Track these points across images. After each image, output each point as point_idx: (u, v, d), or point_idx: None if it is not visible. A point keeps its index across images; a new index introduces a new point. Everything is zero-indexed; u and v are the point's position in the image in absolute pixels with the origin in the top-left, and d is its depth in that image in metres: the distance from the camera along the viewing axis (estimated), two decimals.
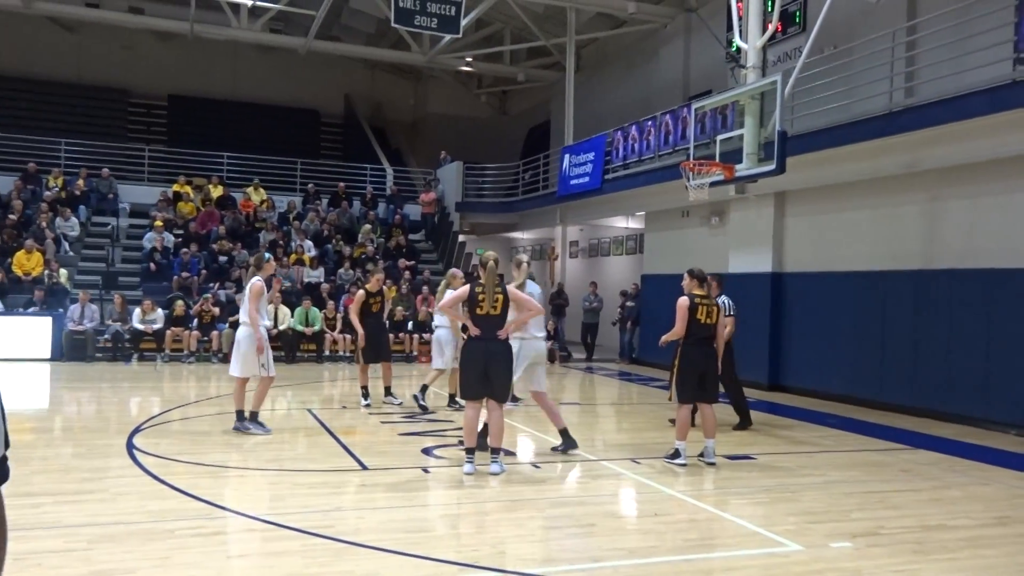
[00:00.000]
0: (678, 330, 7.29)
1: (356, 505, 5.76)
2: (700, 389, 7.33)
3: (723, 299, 9.04)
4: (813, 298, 12.81)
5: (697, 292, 7.39)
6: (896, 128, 10.37)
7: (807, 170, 11.67)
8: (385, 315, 10.78)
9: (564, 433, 7.66)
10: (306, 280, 18.24)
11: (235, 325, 8.86)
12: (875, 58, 11.59)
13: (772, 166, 9.24)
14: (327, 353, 16.41)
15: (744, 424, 9.45)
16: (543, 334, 7.68)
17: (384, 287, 10.83)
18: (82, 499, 5.67)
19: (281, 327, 15.69)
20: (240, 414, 8.27)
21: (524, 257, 7.61)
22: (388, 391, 10.61)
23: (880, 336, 11.53)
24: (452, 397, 10.63)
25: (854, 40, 12.35)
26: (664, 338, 7.56)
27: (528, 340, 7.41)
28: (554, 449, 7.71)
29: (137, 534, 4.84)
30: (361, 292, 10.37)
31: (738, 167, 9.84)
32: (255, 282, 8.22)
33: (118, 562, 4.34)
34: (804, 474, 7.18)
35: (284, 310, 16.05)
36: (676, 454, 7.33)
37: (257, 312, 8.15)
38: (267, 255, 8.70)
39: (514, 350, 7.00)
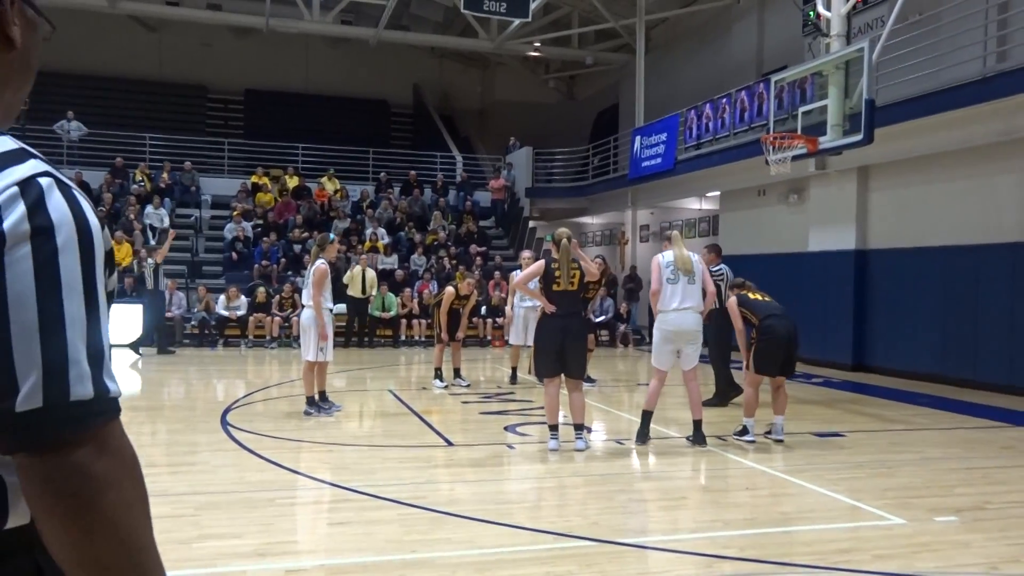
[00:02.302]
0: (740, 328, 7.29)
1: (446, 478, 5.83)
2: (785, 362, 7.17)
3: (722, 267, 9.20)
4: (900, 275, 12.38)
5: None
6: (990, 94, 9.91)
7: (893, 142, 11.26)
8: (467, 314, 10.80)
9: (697, 425, 6.94)
10: (380, 267, 18.51)
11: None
12: (965, 23, 11.09)
13: (859, 136, 8.93)
14: (403, 338, 16.65)
15: (718, 400, 9.12)
16: (688, 304, 6.81)
17: (474, 292, 10.86)
18: (185, 470, 5.88)
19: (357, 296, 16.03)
20: (321, 394, 8.42)
21: (675, 232, 7.20)
22: (457, 373, 10.71)
23: (973, 313, 11.08)
24: (514, 371, 10.84)
25: (940, 6, 11.84)
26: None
27: (663, 314, 6.87)
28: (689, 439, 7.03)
29: (239, 502, 5.00)
30: (451, 290, 10.36)
31: (822, 139, 9.55)
32: (319, 265, 7.98)
33: (225, 527, 4.49)
34: (898, 451, 6.96)
35: (371, 273, 16.25)
36: (744, 431, 7.19)
37: (321, 296, 7.97)
38: (331, 236, 8.66)
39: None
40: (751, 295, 7.34)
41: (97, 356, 0.96)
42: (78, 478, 0.93)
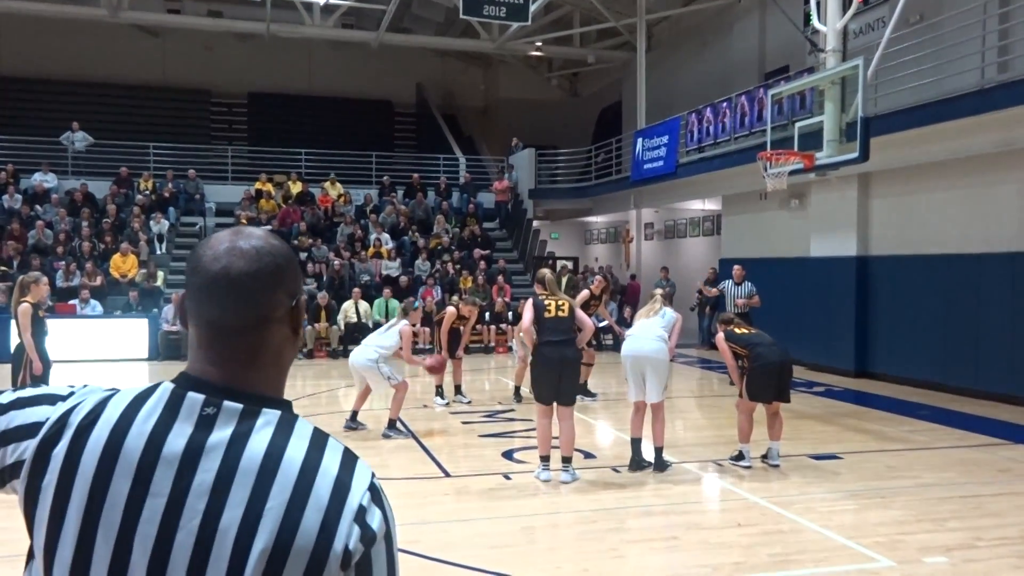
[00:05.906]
0: (731, 362, 7.40)
1: (441, 518, 5.88)
2: (779, 388, 7.19)
3: (748, 285, 11.54)
4: (901, 282, 12.36)
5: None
6: (989, 105, 9.86)
7: (893, 150, 11.22)
8: (468, 331, 11.00)
9: (659, 452, 7.13)
10: (384, 272, 18.60)
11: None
12: (966, 32, 11.01)
13: (855, 154, 8.92)
14: None
15: None
16: (648, 333, 7.13)
17: (475, 313, 10.98)
18: None
19: (353, 321, 16.09)
20: (392, 423, 8.64)
21: (658, 291, 7.79)
22: (458, 389, 10.78)
23: (975, 321, 11.06)
24: (517, 390, 10.82)
25: (941, 8, 11.75)
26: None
27: (627, 339, 7.36)
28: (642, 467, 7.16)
29: None
30: (452, 310, 10.50)
31: (818, 155, 9.53)
32: (405, 328, 8.61)
33: None
34: (895, 476, 6.98)
35: (364, 305, 16.42)
36: (740, 456, 7.25)
37: (412, 355, 8.74)
38: (416, 303, 9.44)
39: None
40: (737, 330, 7.40)
41: None
42: None
